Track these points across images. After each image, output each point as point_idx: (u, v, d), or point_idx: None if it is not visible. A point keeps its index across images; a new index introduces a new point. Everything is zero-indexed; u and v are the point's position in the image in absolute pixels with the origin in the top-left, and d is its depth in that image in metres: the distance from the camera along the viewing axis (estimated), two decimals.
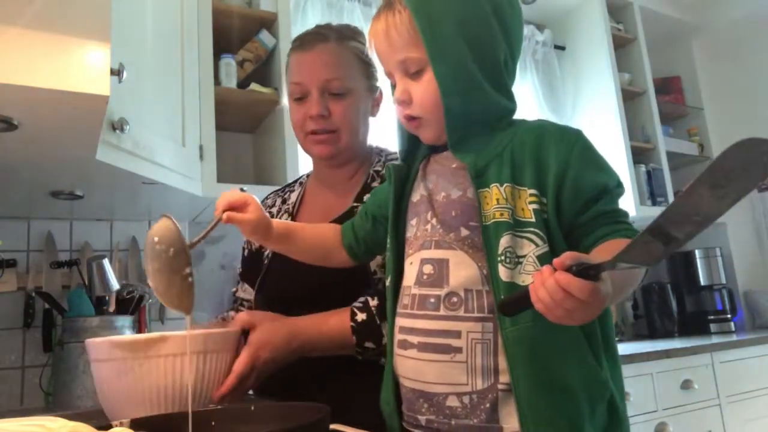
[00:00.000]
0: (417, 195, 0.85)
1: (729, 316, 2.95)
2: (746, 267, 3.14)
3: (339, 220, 1.04)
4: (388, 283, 0.86)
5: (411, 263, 0.82)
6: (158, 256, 0.70)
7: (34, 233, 1.76)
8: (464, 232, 0.78)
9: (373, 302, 0.97)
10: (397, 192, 0.88)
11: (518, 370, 0.71)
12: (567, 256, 0.61)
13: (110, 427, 0.55)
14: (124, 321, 1.56)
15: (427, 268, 0.79)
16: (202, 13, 1.83)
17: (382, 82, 1.17)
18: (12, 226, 1.73)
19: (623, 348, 2.29)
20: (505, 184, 0.76)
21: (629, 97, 2.97)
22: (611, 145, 2.77)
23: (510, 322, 0.72)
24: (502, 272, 0.73)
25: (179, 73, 1.65)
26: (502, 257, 0.73)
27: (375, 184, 1.12)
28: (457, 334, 0.75)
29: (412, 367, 0.78)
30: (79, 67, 1.01)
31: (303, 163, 1.89)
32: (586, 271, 0.59)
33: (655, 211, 2.84)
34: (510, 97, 0.84)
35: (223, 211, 0.85)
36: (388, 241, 0.87)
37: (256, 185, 1.85)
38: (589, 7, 2.97)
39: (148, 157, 1.38)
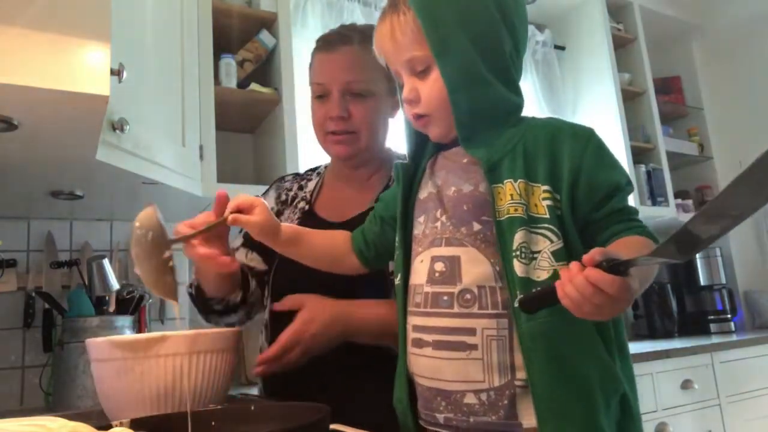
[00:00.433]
0: (425, 192, 0.85)
1: (729, 316, 2.95)
2: (746, 267, 3.14)
3: (359, 219, 1.04)
4: (397, 281, 0.86)
5: (421, 261, 0.82)
6: (138, 241, 0.74)
7: (34, 233, 1.76)
8: (476, 226, 0.78)
9: None
10: (404, 190, 0.88)
11: (534, 365, 0.71)
12: (596, 252, 0.62)
13: (110, 427, 0.55)
14: (124, 321, 1.56)
15: (439, 266, 0.79)
16: (202, 13, 1.83)
17: None
18: (12, 226, 1.73)
19: None
20: (519, 180, 0.76)
21: (629, 97, 2.97)
22: (611, 145, 2.74)
23: (526, 318, 0.72)
24: (518, 267, 0.73)
25: (179, 73, 1.65)
26: (517, 252, 0.73)
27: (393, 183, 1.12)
28: (471, 332, 0.75)
29: (428, 366, 0.78)
30: (79, 67, 1.01)
31: (303, 163, 1.89)
32: (617, 267, 0.60)
33: (655, 211, 2.84)
34: (518, 92, 0.84)
35: (230, 213, 0.86)
36: (397, 239, 0.88)
37: (256, 185, 1.85)
38: (589, 7, 2.97)
39: (148, 157, 1.38)
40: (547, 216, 0.75)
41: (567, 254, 0.75)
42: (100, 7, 1.05)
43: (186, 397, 0.77)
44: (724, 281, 2.99)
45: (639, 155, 2.92)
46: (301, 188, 1.24)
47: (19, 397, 1.65)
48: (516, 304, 0.73)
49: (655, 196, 2.88)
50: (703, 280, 2.98)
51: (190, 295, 1.14)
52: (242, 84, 1.98)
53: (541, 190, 0.76)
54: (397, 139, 1.26)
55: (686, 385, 2.18)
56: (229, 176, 1.90)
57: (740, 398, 2.33)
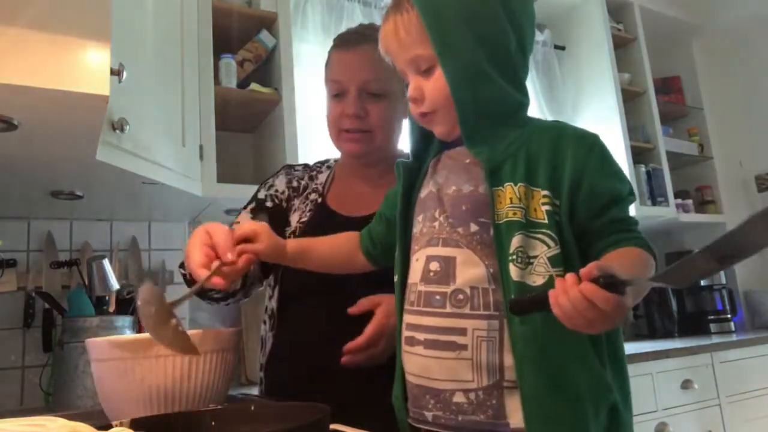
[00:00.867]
0: (425, 191, 0.86)
1: (729, 316, 2.95)
2: (746, 267, 3.14)
3: (372, 218, 1.04)
4: (396, 279, 0.87)
5: (417, 260, 0.83)
6: (144, 316, 0.79)
7: (34, 233, 1.76)
8: (473, 227, 0.78)
9: None
10: (405, 189, 0.88)
11: (525, 368, 0.71)
12: (594, 266, 0.63)
13: (110, 427, 0.55)
14: (124, 321, 1.56)
15: (434, 266, 0.79)
16: (202, 13, 1.83)
17: None
18: (12, 226, 1.73)
19: None
20: (519, 184, 0.76)
21: (629, 97, 2.97)
22: (611, 145, 2.74)
23: (520, 321, 0.72)
24: (513, 272, 0.73)
25: (179, 73, 1.65)
26: (514, 257, 0.73)
27: None
28: (462, 332, 0.75)
29: (419, 364, 0.79)
30: (79, 67, 1.01)
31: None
32: (614, 285, 0.60)
33: (655, 211, 2.84)
34: (523, 91, 0.84)
35: (236, 246, 0.89)
36: (397, 237, 0.88)
37: (256, 185, 1.85)
38: (589, 7, 2.97)
39: (148, 157, 1.38)
40: (546, 221, 0.75)
41: (563, 260, 0.74)
42: (100, 7, 1.05)
43: (186, 397, 0.77)
44: (724, 281, 2.99)
45: (639, 155, 2.92)
46: (312, 179, 1.24)
47: (19, 397, 1.66)
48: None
49: (655, 196, 2.88)
50: (703, 280, 2.98)
51: (184, 276, 1.12)
52: (242, 84, 1.98)
53: (541, 194, 0.76)
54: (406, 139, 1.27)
55: (686, 385, 2.18)
56: (229, 176, 1.90)
57: (740, 398, 2.33)
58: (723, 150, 3.27)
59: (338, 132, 1.14)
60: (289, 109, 1.94)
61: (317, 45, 2.35)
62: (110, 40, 1.05)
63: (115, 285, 1.59)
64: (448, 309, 0.77)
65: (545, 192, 0.76)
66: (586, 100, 3.00)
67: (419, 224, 0.84)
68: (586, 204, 0.76)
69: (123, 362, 0.77)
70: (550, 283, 0.72)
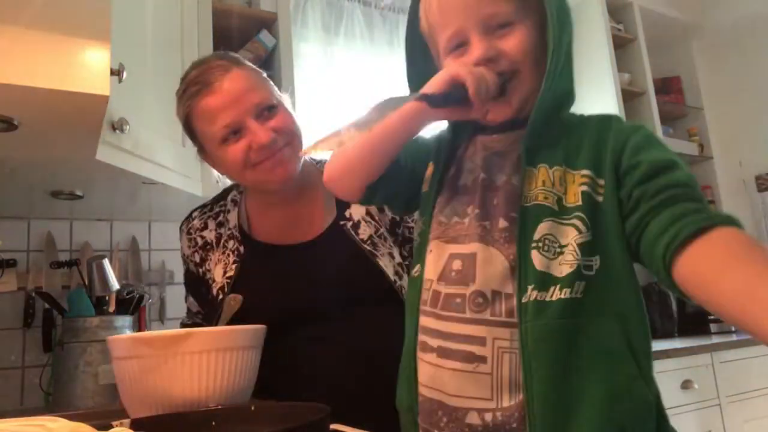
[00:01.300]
0: (459, 177, 0.78)
1: None
2: None
3: (326, 235, 1.05)
4: (416, 273, 0.78)
5: (431, 250, 0.75)
6: None
7: (34, 233, 1.76)
8: (502, 223, 0.70)
9: None
10: (440, 171, 0.80)
11: (534, 376, 0.63)
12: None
13: (110, 427, 0.55)
14: (124, 321, 1.56)
15: (457, 264, 0.72)
16: (202, 13, 1.82)
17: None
18: (12, 226, 1.73)
19: None
20: (554, 167, 0.70)
21: (629, 97, 2.97)
22: None
23: (533, 314, 0.64)
24: (537, 260, 0.66)
25: (179, 73, 1.64)
26: (540, 244, 0.66)
27: None
28: (481, 341, 0.67)
29: (430, 374, 0.71)
30: (79, 67, 1.01)
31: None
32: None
33: None
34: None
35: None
36: (421, 224, 0.80)
37: None
38: (589, 7, 2.97)
39: (148, 157, 1.38)
40: (580, 203, 0.68)
41: (592, 249, 0.66)
42: (100, 7, 1.05)
43: (213, 394, 0.77)
44: None
45: None
46: (221, 225, 1.13)
47: (19, 397, 1.65)
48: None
49: None
50: None
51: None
52: None
53: (580, 175, 0.69)
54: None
55: (686, 385, 2.18)
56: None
57: (740, 398, 2.33)
58: (723, 150, 3.26)
59: (254, 168, 1.02)
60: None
61: (317, 45, 2.35)
62: (110, 40, 1.05)
63: (115, 285, 1.59)
64: (468, 314, 0.68)
65: (585, 171, 0.69)
66: (585, 101, 2.99)
67: (443, 214, 0.76)
68: (632, 168, 0.67)
69: (147, 360, 0.76)
70: (577, 275, 0.65)
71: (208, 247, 1.13)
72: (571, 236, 0.66)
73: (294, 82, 1.98)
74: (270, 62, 2.07)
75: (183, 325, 1.21)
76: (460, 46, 0.74)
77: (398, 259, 1.05)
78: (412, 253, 1.01)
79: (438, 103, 0.69)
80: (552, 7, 0.71)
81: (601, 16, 2.92)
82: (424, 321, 0.74)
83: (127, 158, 1.30)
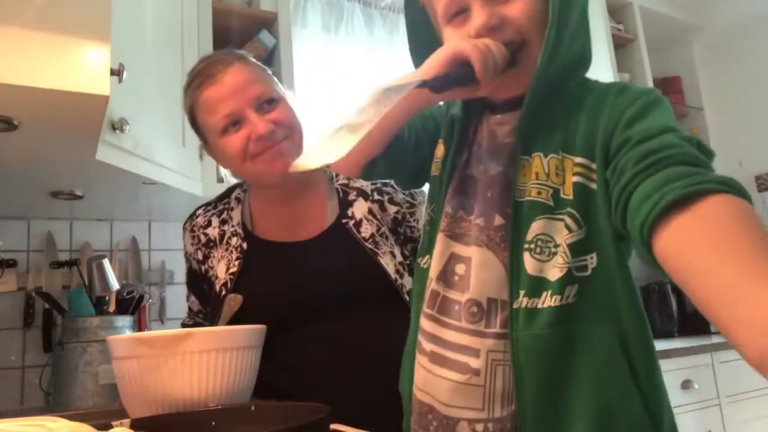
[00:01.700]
0: (469, 165, 0.72)
1: None
2: None
3: (327, 233, 1.04)
4: (425, 264, 0.74)
5: (437, 244, 0.71)
6: None
7: (34, 233, 1.76)
8: (498, 220, 0.65)
9: None
10: (453, 155, 0.73)
11: (525, 388, 0.60)
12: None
13: (110, 426, 0.55)
14: (124, 321, 1.56)
15: (460, 268, 0.67)
16: (202, 13, 1.82)
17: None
18: (12, 226, 1.73)
19: None
20: (550, 156, 0.63)
21: None
22: None
23: (524, 324, 0.61)
24: (529, 263, 0.62)
25: (179, 73, 1.65)
26: (531, 245, 0.62)
27: (351, 196, 1.10)
28: (475, 353, 0.64)
29: (424, 378, 0.69)
30: (79, 67, 1.01)
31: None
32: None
33: None
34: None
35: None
36: (430, 211, 0.75)
37: None
38: (589, 7, 2.97)
39: (148, 157, 1.38)
40: (571, 197, 0.62)
41: (587, 246, 0.61)
42: (100, 7, 1.05)
43: (213, 394, 0.76)
44: None
45: None
46: (224, 222, 1.14)
47: (19, 397, 1.65)
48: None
49: None
50: None
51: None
52: None
53: (575, 163, 0.63)
54: None
55: (686, 385, 2.18)
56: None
57: (740, 398, 2.33)
58: (723, 150, 3.26)
59: (253, 160, 1.03)
60: None
61: (317, 45, 2.35)
62: (110, 40, 1.05)
63: (115, 285, 1.59)
64: (463, 323, 0.65)
65: (579, 159, 0.62)
66: None
67: (451, 206, 0.71)
68: (622, 140, 0.58)
69: (147, 359, 0.75)
70: (567, 279, 0.60)
71: (211, 244, 1.13)
72: (562, 235, 0.62)
73: (294, 82, 1.98)
74: (270, 62, 2.06)
75: (184, 326, 1.21)
76: (459, 13, 0.67)
77: (399, 258, 1.05)
78: (413, 252, 1.01)
79: (441, 88, 0.62)
80: None
81: (601, 16, 2.92)
82: (422, 321, 0.72)
83: (127, 158, 1.30)
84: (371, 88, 0.62)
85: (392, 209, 1.10)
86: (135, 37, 1.37)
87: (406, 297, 0.99)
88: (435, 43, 0.70)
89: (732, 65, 3.28)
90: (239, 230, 1.11)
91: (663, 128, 0.56)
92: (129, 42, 1.30)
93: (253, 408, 0.67)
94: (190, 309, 1.21)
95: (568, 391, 0.60)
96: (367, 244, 1.04)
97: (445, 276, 0.69)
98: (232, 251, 1.09)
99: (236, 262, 1.07)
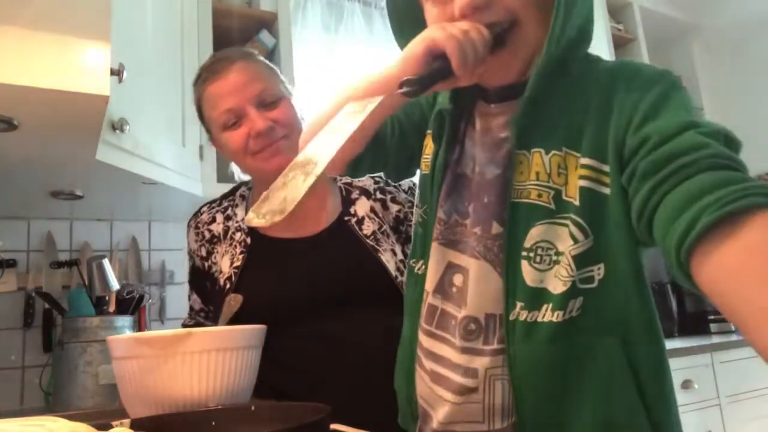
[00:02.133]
0: (456, 162, 0.67)
1: None
2: None
3: (327, 232, 1.04)
4: (420, 270, 0.70)
5: (432, 254, 0.67)
6: None
7: (34, 233, 1.76)
8: (496, 228, 0.61)
9: None
10: (445, 152, 0.67)
11: (526, 403, 0.58)
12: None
13: (110, 426, 0.55)
14: (124, 321, 1.56)
15: (457, 279, 0.64)
16: (202, 13, 1.82)
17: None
18: (12, 226, 1.73)
19: None
20: (552, 152, 0.58)
21: None
22: None
23: (522, 336, 0.57)
24: (527, 273, 0.57)
25: (179, 73, 1.65)
26: (531, 254, 0.57)
27: (354, 195, 1.12)
28: (473, 373, 0.61)
29: (426, 392, 0.67)
30: (79, 67, 1.01)
31: None
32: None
33: None
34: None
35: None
36: (421, 213, 0.71)
37: None
38: None
39: (148, 157, 1.38)
40: (577, 203, 0.56)
41: (594, 257, 0.56)
42: (100, 7, 1.05)
43: (213, 394, 0.76)
44: None
45: None
46: (228, 218, 1.16)
47: (19, 397, 1.65)
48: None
49: None
50: None
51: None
52: None
53: (581, 164, 0.56)
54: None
55: (686, 385, 2.18)
56: (229, 176, 1.90)
57: (740, 398, 2.33)
58: None
59: (252, 157, 1.06)
60: None
61: (317, 45, 2.35)
62: (110, 40, 1.05)
63: (115, 285, 1.59)
64: (458, 341, 0.62)
65: (586, 160, 0.56)
66: None
67: (443, 210, 0.67)
68: (638, 143, 0.52)
69: (147, 360, 0.75)
70: (571, 293, 0.55)
71: (215, 240, 1.14)
72: (567, 244, 0.57)
73: (294, 82, 1.98)
74: (270, 62, 2.06)
75: (184, 326, 1.21)
76: None
77: (400, 256, 1.06)
78: None
79: (418, 91, 0.55)
80: None
81: (601, 16, 2.92)
82: (420, 336, 0.69)
83: (127, 158, 1.30)
84: (341, 110, 0.57)
85: (394, 208, 1.12)
86: (135, 37, 1.37)
87: None
88: (417, 21, 0.64)
89: (732, 65, 3.28)
90: (243, 225, 1.13)
91: (682, 124, 0.50)
92: (129, 42, 1.30)
93: (253, 408, 0.67)
94: (191, 308, 1.21)
95: (569, 405, 0.57)
96: (368, 240, 1.06)
97: (443, 287, 0.65)
98: (236, 246, 1.11)
99: (240, 257, 1.08)
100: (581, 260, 0.56)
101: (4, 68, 0.94)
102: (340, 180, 1.14)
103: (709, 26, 3.35)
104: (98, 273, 1.58)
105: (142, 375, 0.76)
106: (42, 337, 1.67)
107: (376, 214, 1.10)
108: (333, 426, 0.67)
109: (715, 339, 2.58)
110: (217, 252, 1.13)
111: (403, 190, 1.14)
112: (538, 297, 0.57)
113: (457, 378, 0.62)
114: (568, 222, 0.56)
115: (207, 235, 1.16)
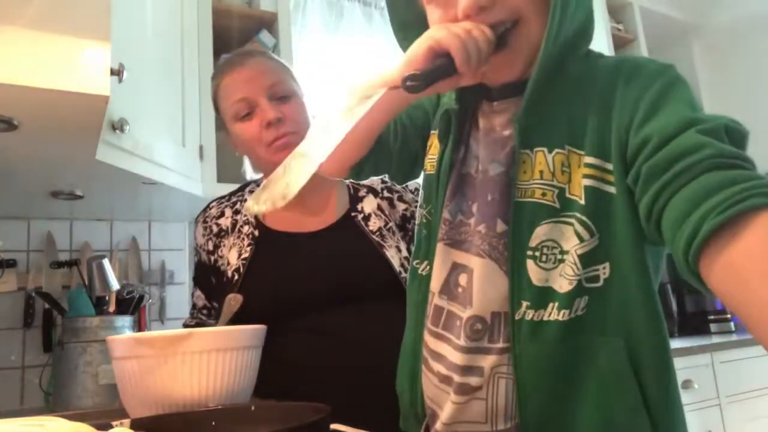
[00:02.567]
0: (461, 161, 0.67)
1: (729, 316, 2.94)
2: None
3: (333, 227, 1.05)
4: (424, 271, 0.70)
5: (437, 254, 0.67)
6: None
7: (34, 233, 1.75)
8: (501, 226, 0.60)
9: None
10: (450, 151, 0.67)
11: (529, 404, 0.57)
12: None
13: (110, 426, 0.55)
14: (124, 321, 1.56)
15: (463, 279, 0.63)
16: (202, 13, 1.82)
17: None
18: (12, 226, 1.73)
19: None
20: (556, 151, 0.58)
21: None
22: None
23: (528, 334, 0.57)
24: (533, 272, 0.57)
25: (179, 73, 1.65)
26: (537, 252, 0.57)
27: (362, 193, 1.14)
28: (479, 372, 0.61)
29: (433, 393, 0.67)
30: (79, 67, 1.01)
31: None
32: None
33: None
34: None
35: None
36: (424, 212, 0.71)
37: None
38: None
39: (148, 157, 1.38)
40: (582, 201, 0.56)
41: (600, 256, 0.56)
42: (100, 7, 1.05)
43: (213, 394, 0.77)
44: None
45: None
46: (237, 213, 1.18)
47: (19, 397, 1.65)
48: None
49: None
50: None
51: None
52: None
53: (584, 163, 0.57)
54: None
55: (686, 385, 2.18)
56: (229, 176, 1.89)
57: (740, 398, 2.33)
58: None
59: (266, 148, 1.09)
60: None
61: (317, 45, 2.35)
62: (110, 40, 1.05)
63: (115, 285, 1.59)
64: (463, 341, 0.61)
65: (589, 159, 0.56)
66: None
67: (448, 210, 0.67)
68: (641, 142, 0.52)
69: (148, 360, 0.75)
70: (577, 292, 0.56)
71: (223, 233, 1.16)
72: (572, 243, 0.57)
73: None
74: None
75: (185, 326, 1.21)
76: None
77: (405, 253, 1.08)
78: None
79: (421, 87, 0.55)
80: None
81: (601, 16, 2.92)
82: (426, 337, 0.69)
83: (127, 158, 1.30)
84: (342, 96, 0.58)
85: (401, 206, 1.14)
86: (135, 37, 1.37)
87: None
88: (419, 23, 0.64)
89: (732, 65, 3.28)
90: (251, 219, 1.14)
91: (683, 123, 0.51)
92: (129, 42, 1.30)
93: (253, 408, 0.67)
94: (194, 305, 1.21)
95: (571, 405, 0.57)
96: (374, 236, 1.07)
97: (448, 287, 0.65)
98: (243, 238, 1.12)
99: (248, 248, 1.10)
100: (587, 259, 0.57)
101: (4, 68, 0.94)
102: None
103: (709, 26, 3.35)
104: (98, 273, 1.58)
105: (142, 375, 0.76)
106: (42, 337, 1.67)
107: (382, 211, 1.11)
108: (333, 426, 0.67)
109: (715, 339, 2.58)
110: (224, 245, 1.14)
111: (410, 191, 1.17)
112: (544, 296, 0.57)
113: (460, 379, 0.62)
114: (573, 221, 0.57)
115: (215, 228, 1.17)
